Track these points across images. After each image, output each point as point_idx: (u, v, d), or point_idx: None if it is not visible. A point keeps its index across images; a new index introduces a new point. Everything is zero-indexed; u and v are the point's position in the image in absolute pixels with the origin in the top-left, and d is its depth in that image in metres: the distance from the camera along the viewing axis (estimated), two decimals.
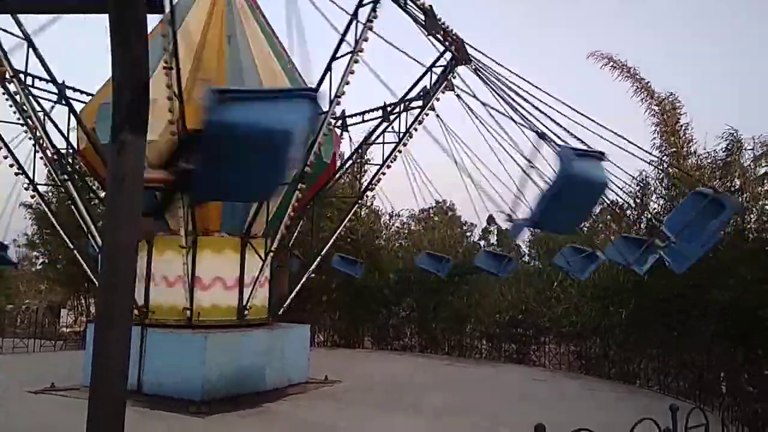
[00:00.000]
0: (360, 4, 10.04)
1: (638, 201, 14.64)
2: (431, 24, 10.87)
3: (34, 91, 11.60)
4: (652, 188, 14.68)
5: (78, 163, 13.38)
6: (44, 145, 11.16)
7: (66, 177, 11.30)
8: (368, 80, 11.73)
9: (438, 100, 12.65)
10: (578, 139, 9.39)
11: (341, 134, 14.68)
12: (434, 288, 18.55)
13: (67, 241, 12.22)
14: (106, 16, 1.51)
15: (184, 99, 8.59)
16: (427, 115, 12.93)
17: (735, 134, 12.98)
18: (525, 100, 9.91)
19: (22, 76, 11.03)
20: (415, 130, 13.10)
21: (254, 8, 12.54)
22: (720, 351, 10.52)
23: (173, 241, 10.61)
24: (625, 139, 9.32)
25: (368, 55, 10.37)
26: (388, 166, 13.49)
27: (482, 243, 33.16)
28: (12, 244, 26.27)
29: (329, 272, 18.01)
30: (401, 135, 13.26)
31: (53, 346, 17.36)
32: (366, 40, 9.92)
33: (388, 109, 13.77)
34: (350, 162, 15.00)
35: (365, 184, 14.61)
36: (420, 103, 13.09)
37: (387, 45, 10.31)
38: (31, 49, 10.57)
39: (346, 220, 13.54)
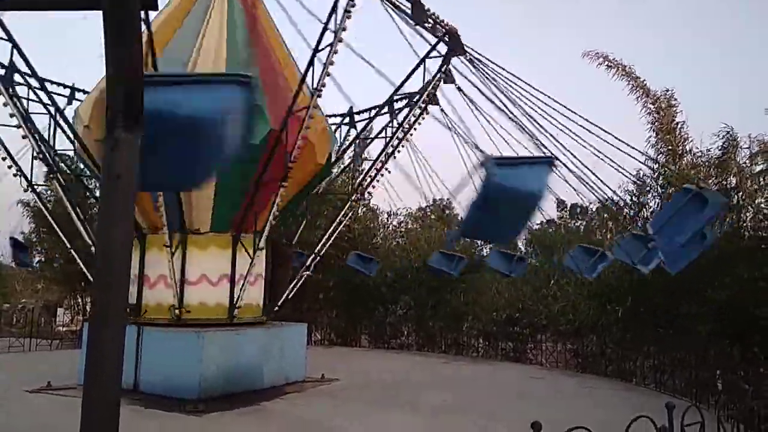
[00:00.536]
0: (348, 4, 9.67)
1: (634, 200, 14.66)
2: (418, 13, 10.64)
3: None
4: (649, 187, 14.71)
5: (76, 162, 13.36)
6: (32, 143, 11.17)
7: (53, 176, 11.32)
8: (379, 79, 11.73)
9: (433, 94, 12.47)
10: (575, 135, 9.42)
11: (348, 131, 14.55)
12: (431, 286, 18.57)
13: (64, 239, 12.19)
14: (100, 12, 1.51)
15: None
16: (425, 111, 12.76)
17: (731, 132, 13.01)
18: (521, 97, 9.94)
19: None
20: (410, 126, 12.94)
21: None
22: (716, 349, 10.55)
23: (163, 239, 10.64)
24: (616, 137, 9.35)
25: (373, 51, 10.30)
26: (382, 162, 13.43)
27: (478, 242, 33.17)
28: (8, 243, 26.18)
29: (326, 270, 18.00)
30: (394, 130, 13.10)
31: (50, 345, 17.32)
32: (345, 29, 9.51)
33: (383, 105, 13.56)
34: (346, 159, 14.96)
35: (361, 181, 14.54)
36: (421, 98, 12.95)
37: (391, 41, 10.27)
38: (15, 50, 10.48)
39: (340, 215, 13.38)
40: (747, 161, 13.68)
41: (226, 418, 8.83)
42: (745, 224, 12.51)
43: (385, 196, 24.35)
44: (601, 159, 9.73)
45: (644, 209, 14.81)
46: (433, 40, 11.79)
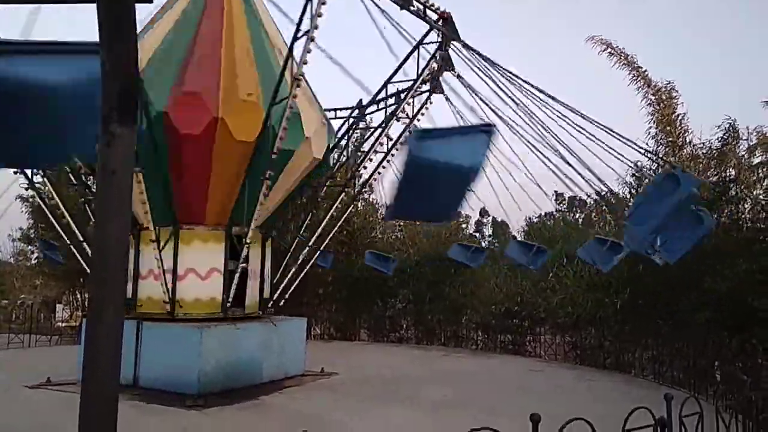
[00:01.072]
0: None
1: (633, 192, 14.65)
2: None
3: None
4: (648, 179, 14.70)
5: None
6: None
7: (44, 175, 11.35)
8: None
9: (437, 83, 12.24)
10: (573, 124, 9.41)
11: (358, 124, 14.33)
12: (430, 280, 18.60)
13: (63, 235, 12.17)
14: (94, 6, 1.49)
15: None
16: (428, 100, 12.54)
17: (733, 124, 12.99)
18: (516, 89, 9.91)
19: None
20: (413, 117, 12.74)
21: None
22: (714, 340, 10.58)
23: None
24: (610, 130, 9.32)
25: (377, 45, 10.24)
26: (384, 154, 13.36)
27: (477, 235, 33.19)
28: (7, 238, 26.18)
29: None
30: (387, 120, 12.94)
31: (49, 341, 17.33)
32: (320, 15, 9.22)
33: (375, 95, 13.14)
34: (342, 153, 14.86)
35: (356, 171, 14.45)
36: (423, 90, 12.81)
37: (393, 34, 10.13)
38: None
39: (335, 206, 13.24)
40: (746, 153, 13.68)
41: (225, 413, 8.85)
42: (743, 216, 12.51)
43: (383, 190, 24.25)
44: (594, 153, 9.72)
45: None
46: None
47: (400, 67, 12.28)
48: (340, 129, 13.82)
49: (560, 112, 9.93)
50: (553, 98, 9.90)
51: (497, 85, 10.62)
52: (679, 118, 14.50)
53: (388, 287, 19.52)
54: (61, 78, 2.84)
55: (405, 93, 12.27)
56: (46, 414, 8.48)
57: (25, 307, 22.89)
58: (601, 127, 9.34)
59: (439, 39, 11.83)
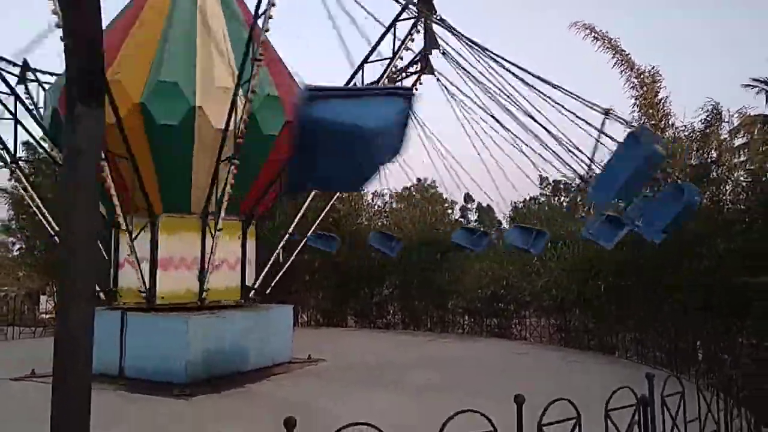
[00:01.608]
0: None
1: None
2: None
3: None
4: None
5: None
6: None
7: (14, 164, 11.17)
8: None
9: (426, 62, 11.94)
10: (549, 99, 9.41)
11: None
12: (416, 265, 18.65)
13: (47, 224, 11.96)
14: None
15: None
16: (417, 81, 12.32)
17: (716, 107, 13.07)
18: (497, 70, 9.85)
19: None
20: None
21: None
22: (696, 321, 10.73)
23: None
24: (573, 95, 9.31)
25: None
26: None
27: (462, 221, 33.32)
28: None
29: (311, 251, 17.95)
30: None
31: (33, 332, 17.15)
32: None
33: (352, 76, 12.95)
34: None
35: None
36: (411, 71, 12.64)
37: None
38: None
39: (309, 197, 13.05)
40: (728, 135, 13.80)
41: (211, 401, 8.84)
42: (724, 197, 12.63)
43: None
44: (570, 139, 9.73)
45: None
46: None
47: (375, 47, 11.92)
48: None
49: (536, 88, 9.89)
50: (524, 71, 9.83)
51: (477, 62, 10.51)
52: (662, 101, 14.57)
53: (375, 273, 19.55)
54: (374, 117, 3.25)
55: (384, 72, 11.90)
56: (30, 406, 8.40)
57: (8, 299, 22.63)
58: (566, 92, 9.35)
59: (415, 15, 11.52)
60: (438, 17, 11.19)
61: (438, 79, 12.00)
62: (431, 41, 11.69)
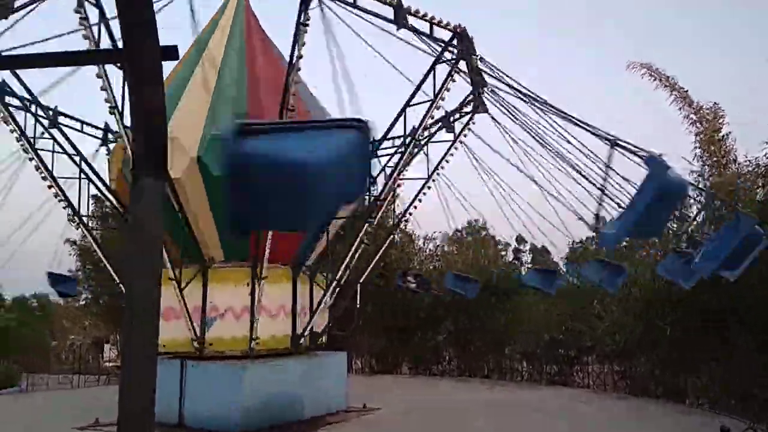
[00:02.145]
0: (302, 8, 9.24)
1: (678, 213, 14.24)
2: (400, 16, 10.05)
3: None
4: (692, 200, 14.28)
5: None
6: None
7: (79, 221, 11.75)
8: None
9: (480, 101, 11.95)
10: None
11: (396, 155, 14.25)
12: (471, 310, 18.30)
13: (112, 272, 12.42)
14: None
15: None
16: (471, 121, 12.37)
17: None
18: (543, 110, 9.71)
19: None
20: (455, 138, 12.63)
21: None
22: None
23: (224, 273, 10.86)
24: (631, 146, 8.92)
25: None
26: (424, 194, 13.42)
27: (516, 262, 32.68)
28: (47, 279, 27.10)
29: (364, 296, 17.95)
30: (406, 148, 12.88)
31: (97, 380, 17.68)
32: (303, 44, 9.29)
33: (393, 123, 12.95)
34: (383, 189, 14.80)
35: (399, 211, 14.41)
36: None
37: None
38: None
39: (356, 244, 12.78)
40: None
41: None
42: None
43: (421, 220, 24.23)
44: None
45: (686, 222, 14.37)
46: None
47: (418, 88, 11.85)
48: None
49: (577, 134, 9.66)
50: (574, 119, 9.62)
51: (525, 104, 10.41)
52: (724, 137, 14.22)
53: (429, 318, 19.31)
54: (312, 152, 3.15)
55: (425, 113, 11.84)
56: None
57: (75, 347, 23.51)
58: (625, 144, 9.03)
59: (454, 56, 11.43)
60: (479, 57, 11.18)
61: (493, 118, 11.67)
62: (478, 80, 11.53)
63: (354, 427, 10.54)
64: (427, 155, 13.59)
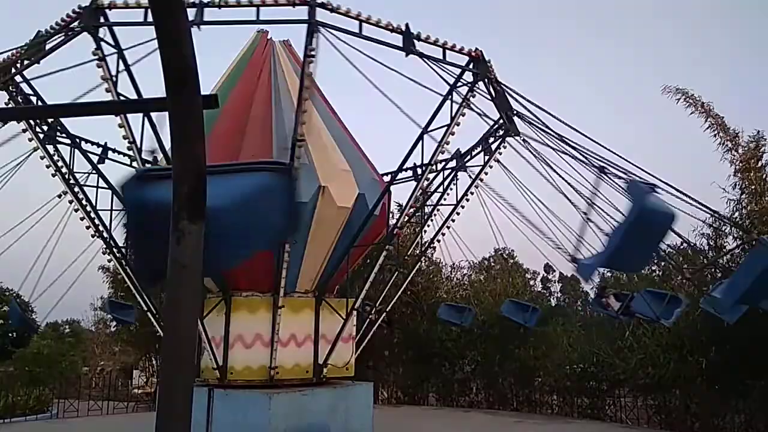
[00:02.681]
0: (308, 40, 9.28)
1: (711, 244, 13.96)
2: (408, 44, 10.07)
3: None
4: (728, 229, 13.97)
5: None
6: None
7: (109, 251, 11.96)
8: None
9: (510, 123, 11.84)
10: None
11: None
12: (499, 340, 18.05)
13: (140, 300, 12.60)
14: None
15: None
16: (501, 143, 12.11)
17: None
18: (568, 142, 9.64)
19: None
20: (486, 162, 12.57)
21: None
22: None
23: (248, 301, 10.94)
24: (681, 192, 8.62)
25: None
26: (452, 220, 13.39)
27: (545, 292, 32.23)
28: (89, 307, 27.59)
29: (391, 326, 17.88)
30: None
31: (125, 407, 17.82)
32: (310, 74, 9.40)
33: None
34: (406, 216, 14.83)
35: (426, 237, 14.38)
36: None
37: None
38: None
39: (374, 270, 12.72)
40: None
41: None
42: None
43: (446, 247, 24.07)
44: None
45: (722, 253, 14.04)
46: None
47: (435, 114, 11.55)
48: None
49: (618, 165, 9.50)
50: (603, 145, 9.48)
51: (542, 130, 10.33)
52: (765, 165, 13.95)
53: (456, 349, 19.07)
54: (212, 197, 2.99)
55: (441, 139, 11.64)
56: None
57: (104, 373, 23.78)
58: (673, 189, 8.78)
59: (471, 80, 11.29)
60: (493, 80, 11.08)
61: (524, 140, 11.11)
62: (502, 103, 11.27)
63: None
64: (455, 182, 13.53)
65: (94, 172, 12.12)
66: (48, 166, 11.55)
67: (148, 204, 3.39)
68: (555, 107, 10.27)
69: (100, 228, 12.08)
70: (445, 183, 13.44)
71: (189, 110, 1.61)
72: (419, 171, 13.18)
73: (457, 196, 13.47)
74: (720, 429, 12.75)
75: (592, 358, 16.37)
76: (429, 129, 11.68)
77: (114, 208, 12.35)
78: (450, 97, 11.27)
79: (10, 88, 10.62)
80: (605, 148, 9.13)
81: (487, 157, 12.71)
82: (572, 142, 9.51)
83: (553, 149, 9.93)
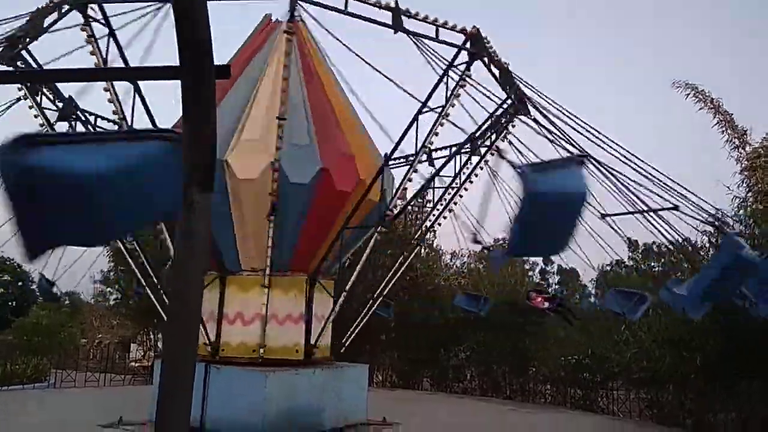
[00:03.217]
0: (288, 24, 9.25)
1: (712, 241, 13.94)
2: (397, 21, 9.71)
3: None
4: (730, 227, 13.95)
5: None
6: None
7: None
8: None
9: (521, 101, 11.55)
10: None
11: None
12: (495, 329, 18.13)
13: (139, 275, 12.63)
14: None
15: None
16: (508, 124, 11.89)
17: None
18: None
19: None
20: (491, 145, 12.33)
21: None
22: None
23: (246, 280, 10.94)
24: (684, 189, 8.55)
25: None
26: (450, 210, 13.32)
27: (543, 283, 32.35)
28: (88, 280, 27.68)
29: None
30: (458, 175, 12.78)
31: (122, 380, 17.97)
32: (290, 53, 9.33)
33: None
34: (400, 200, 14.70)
35: (421, 223, 14.34)
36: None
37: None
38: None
39: (366, 253, 12.59)
40: None
41: None
42: None
43: (444, 234, 24.10)
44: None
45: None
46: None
47: (430, 96, 11.03)
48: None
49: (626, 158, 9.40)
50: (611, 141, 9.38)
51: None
52: None
53: (452, 335, 19.17)
54: (96, 164, 2.86)
55: (436, 120, 11.05)
56: None
57: (102, 346, 23.95)
58: (670, 187, 8.71)
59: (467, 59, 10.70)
60: (490, 58, 10.69)
61: (535, 120, 10.89)
62: (507, 81, 10.66)
63: None
64: (468, 166, 13.37)
65: None
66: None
67: (35, 170, 3.15)
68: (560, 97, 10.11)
69: None
70: (456, 168, 13.28)
71: (202, 79, 1.61)
72: (423, 155, 12.98)
73: (460, 179, 13.33)
74: (713, 426, 12.84)
75: (586, 351, 16.46)
76: (424, 111, 11.42)
77: None
78: (445, 79, 10.69)
79: (18, 63, 10.55)
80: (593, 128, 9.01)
81: (494, 137, 12.37)
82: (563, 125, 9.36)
83: (551, 142, 9.84)
